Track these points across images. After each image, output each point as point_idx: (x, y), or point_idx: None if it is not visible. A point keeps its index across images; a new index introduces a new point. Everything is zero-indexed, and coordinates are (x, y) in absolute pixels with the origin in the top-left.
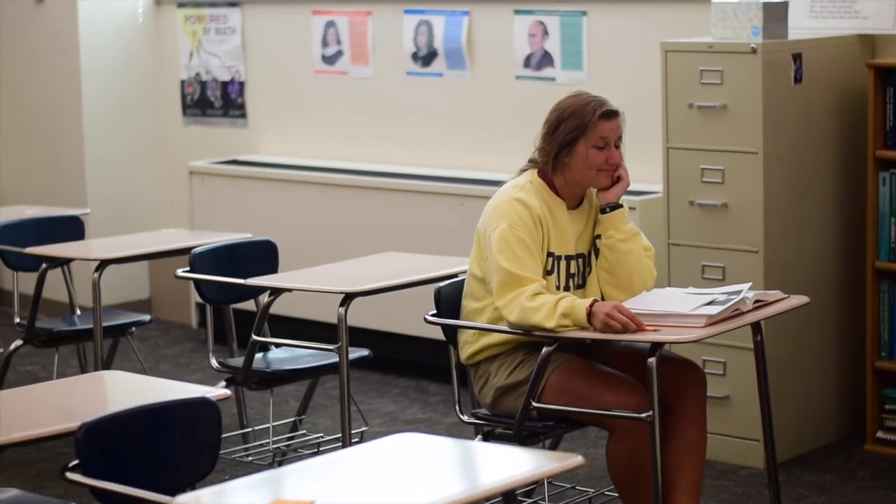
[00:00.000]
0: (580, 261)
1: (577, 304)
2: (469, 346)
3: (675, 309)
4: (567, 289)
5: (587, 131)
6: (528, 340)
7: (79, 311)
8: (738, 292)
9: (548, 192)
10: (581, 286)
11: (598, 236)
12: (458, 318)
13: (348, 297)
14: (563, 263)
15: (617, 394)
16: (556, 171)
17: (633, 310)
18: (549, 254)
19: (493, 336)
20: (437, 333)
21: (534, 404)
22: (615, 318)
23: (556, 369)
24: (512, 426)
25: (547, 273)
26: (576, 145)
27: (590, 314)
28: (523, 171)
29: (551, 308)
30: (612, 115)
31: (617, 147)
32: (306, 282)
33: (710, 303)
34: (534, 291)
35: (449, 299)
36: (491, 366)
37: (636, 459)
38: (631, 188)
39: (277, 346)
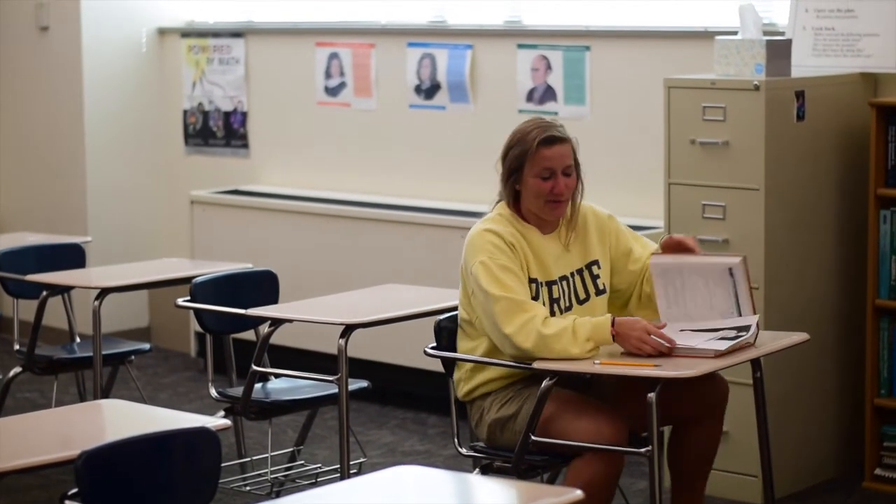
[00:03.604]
0: (563, 284)
1: (596, 324)
2: (464, 383)
3: (684, 342)
4: (552, 314)
5: (529, 159)
6: (521, 376)
7: (78, 339)
8: (748, 327)
9: (517, 220)
10: (569, 308)
11: (595, 261)
12: (457, 350)
13: (349, 329)
14: (544, 290)
15: (597, 421)
16: (515, 199)
17: None
18: (531, 279)
19: (486, 373)
20: (437, 366)
21: (533, 438)
22: (648, 343)
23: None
24: (510, 459)
25: (532, 299)
26: (521, 173)
27: (616, 331)
28: (497, 202)
29: (571, 334)
30: (554, 140)
31: (567, 175)
32: (307, 313)
33: (721, 338)
34: (544, 316)
35: (449, 332)
36: (485, 402)
37: (597, 483)
38: (632, 223)
39: (277, 376)
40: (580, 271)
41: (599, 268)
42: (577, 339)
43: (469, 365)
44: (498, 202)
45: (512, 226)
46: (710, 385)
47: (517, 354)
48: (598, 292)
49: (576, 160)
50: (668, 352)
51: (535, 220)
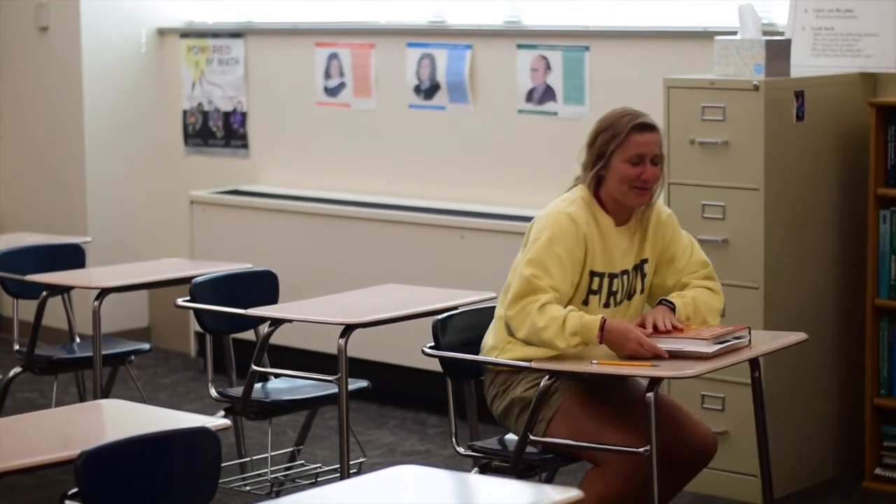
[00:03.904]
0: (624, 278)
1: (585, 321)
2: (499, 353)
3: (677, 345)
4: (607, 305)
5: (621, 144)
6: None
7: (78, 339)
8: (740, 338)
9: (596, 207)
10: (620, 303)
11: (646, 260)
12: (456, 350)
13: (348, 329)
14: (606, 281)
15: (622, 434)
16: (597, 186)
17: None
18: (594, 273)
19: (526, 350)
20: (436, 366)
21: (531, 437)
22: (644, 345)
23: (568, 397)
24: (508, 459)
25: (591, 292)
26: (611, 158)
27: (605, 336)
28: (570, 187)
29: (560, 326)
30: (647, 128)
31: (655, 164)
32: (306, 313)
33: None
34: (544, 301)
35: (447, 332)
36: (516, 376)
37: (612, 498)
38: None
39: (277, 376)
40: (636, 267)
41: (647, 267)
42: (563, 331)
43: (506, 335)
44: (574, 186)
45: (590, 212)
46: (698, 440)
47: (514, 337)
48: (640, 291)
49: (662, 152)
50: (657, 353)
51: (613, 210)
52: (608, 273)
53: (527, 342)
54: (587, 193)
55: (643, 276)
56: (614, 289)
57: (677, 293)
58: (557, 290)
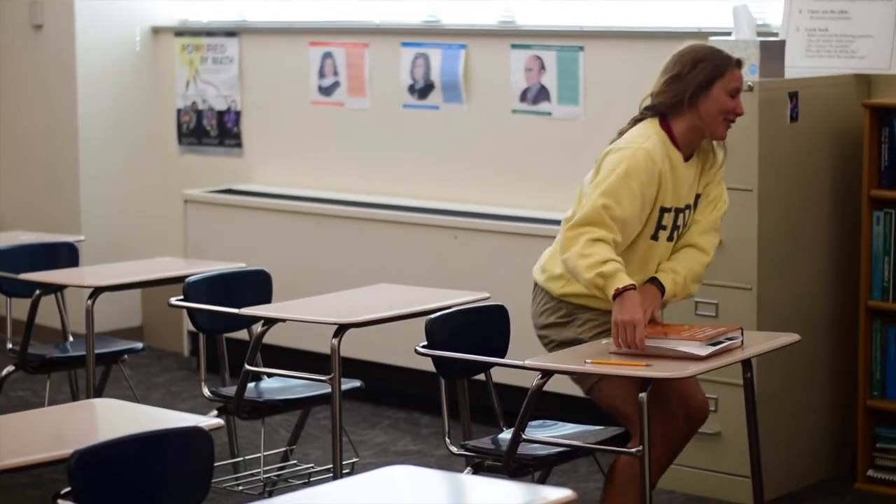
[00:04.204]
0: (686, 212)
1: (619, 275)
2: (565, 283)
3: (669, 346)
4: (671, 239)
5: (724, 74)
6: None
7: (71, 338)
8: (732, 339)
9: (669, 143)
10: (680, 237)
11: (699, 195)
12: (449, 349)
13: (342, 329)
14: (672, 216)
15: (662, 407)
16: (681, 115)
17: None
18: (664, 209)
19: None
20: (429, 365)
21: (522, 436)
22: (627, 333)
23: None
24: (501, 458)
25: (661, 227)
26: (712, 87)
27: (620, 296)
28: (637, 120)
29: (597, 262)
30: (741, 65)
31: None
32: (300, 312)
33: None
34: (600, 237)
35: (441, 331)
36: (583, 314)
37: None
38: None
39: (270, 375)
40: (691, 205)
41: (699, 201)
42: (594, 269)
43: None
44: (637, 119)
45: (665, 148)
46: (694, 405)
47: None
48: (685, 226)
49: None
50: (635, 349)
51: (683, 144)
52: (675, 208)
53: (564, 263)
54: (660, 128)
55: (693, 210)
56: (678, 223)
57: (671, 269)
58: (626, 222)
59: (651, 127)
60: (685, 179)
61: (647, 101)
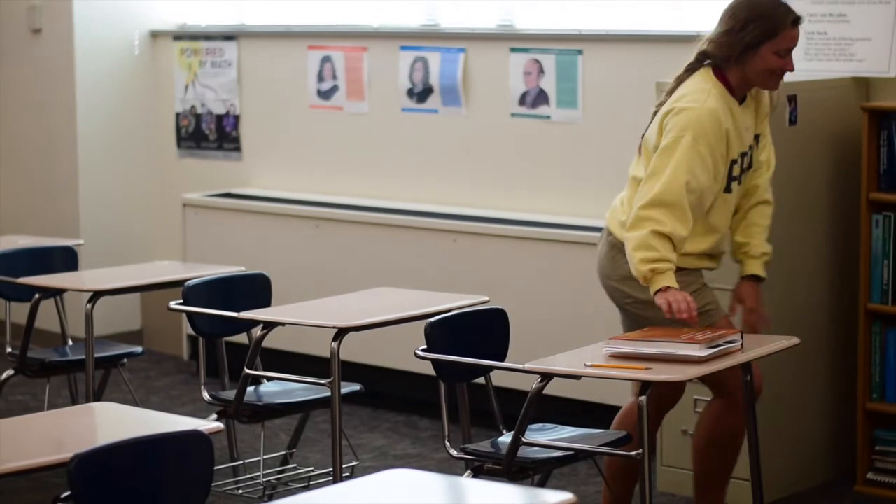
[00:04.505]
0: (751, 153)
1: (667, 275)
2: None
3: (668, 349)
4: (739, 182)
5: (776, 36)
6: (704, 266)
7: (71, 342)
8: (732, 342)
9: (725, 92)
10: (738, 182)
11: (758, 136)
12: (448, 353)
13: (341, 332)
14: (739, 163)
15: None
16: (731, 67)
17: (626, 348)
18: (733, 161)
19: (687, 245)
20: (429, 368)
21: (522, 440)
22: (680, 305)
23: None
24: (501, 461)
25: (733, 178)
26: (760, 48)
27: (663, 290)
28: (691, 67)
29: (653, 258)
30: (799, 22)
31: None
32: (299, 316)
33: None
34: (665, 231)
35: (440, 335)
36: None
37: (740, 430)
38: None
39: (269, 379)
40: (753, 146)
41: (757, 144)
42: (648, 265)
43: None
44: (691, 66)
45: (724, 100)
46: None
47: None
48: (749, 167)
49: None
50: (692, 320)
51: (737, 89)
52: (741, 153)
53: (626, 241)
54: (716, 79)
55: (754, 150)
56: (744, 166)
57: (761, 250)
58: (703, 191)
59: (708, 79)
60: (744, 123)
61: (703, 46)
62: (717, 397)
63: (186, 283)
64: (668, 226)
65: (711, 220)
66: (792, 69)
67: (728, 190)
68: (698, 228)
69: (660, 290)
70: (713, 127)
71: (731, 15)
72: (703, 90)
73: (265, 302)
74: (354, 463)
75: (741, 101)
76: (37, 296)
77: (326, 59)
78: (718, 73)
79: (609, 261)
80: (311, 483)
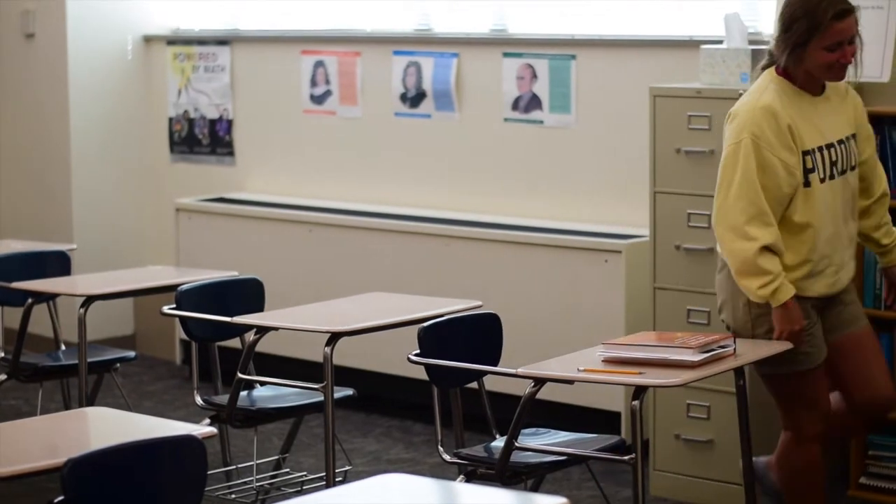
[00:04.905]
0: (841, 147)
1: (784, 288)
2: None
3: (661, 354)
4: (832, 177)
5: (819, 33)
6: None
7: (63, 347)
8: (725, 347)
9: (790, 87)
10: (843, 173)
11: (854, 135)
12: (441, 357)
13: (334, 337)
14: (818, 156)
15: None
16: (794, 64)
17: (619, 353)
18: (805, 152)
19: (800, 274)
20: (422, 373)
21: (515, 444)
22: (794, 339)
23: (800, 371)
24: (494, 466)
25: (808, 171)
26: (807, 46)
27: (783, 306)
28: (763, 67)
29: (767, 282)
30: (845, 14)
31: (851, 43)
32: (292, 321)
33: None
34: (767, 244)
35: (433, 339)
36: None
37: (809, 468)
38: (617, 231)
39: (262, 384)
40: (850, 138)
41: (855, 142)
42: (765, 287)
43: None
44: (764, 66)
45: (785, 96)
46: (869, 395)
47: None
48: (853, 167)
49: (857, 30)
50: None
51: (806, 83)
52: (817, 147)
53: (729, 262)
54: (777, 77)
55: (854, 148)
56: (833, 158)
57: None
58: (778, 187)
59: (768, 77)
60: (821, 115)
61: (769, 47)
62: (784, 430)
63: (179, 288)
64: (761, 238)
65: (797, 219)
66: (848, 61)
67: (807, 184)
68: (786, 236)
69: (780, 306)
70: (769, 122)
71: (780, 15)
72: (759, 89)
73: (258, 306)
74: (347, 467)
75: (819, 90)
76: (30, 300)
77: (319, 64)
78: (783, 70)
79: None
80: (304, 488)
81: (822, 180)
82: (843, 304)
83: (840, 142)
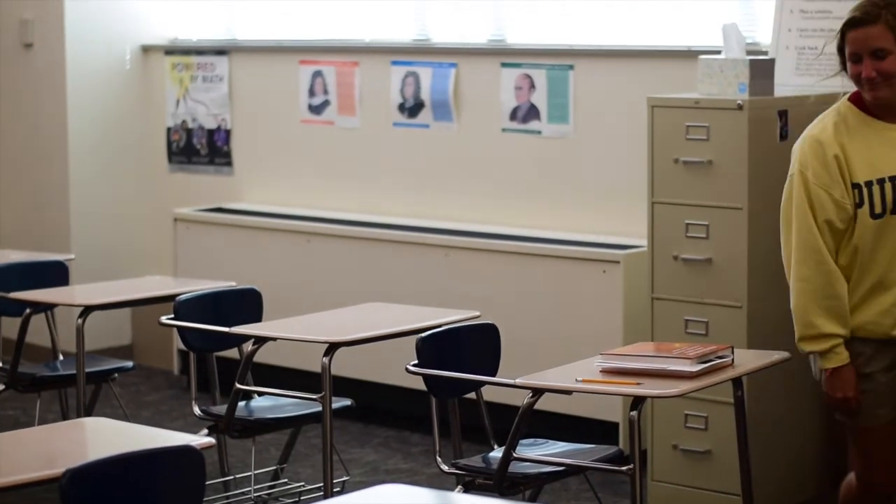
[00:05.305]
0: (892, 184)
1: (836, 352)
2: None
3: (659, 364)
4: (880, 216)
5: (844, 44)
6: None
7: (61, 357)
8: (723, 357)
9: (856, 114)
10: (873, 214)
11: None
12: (440, 368)
13: (332, 347)
14: (875, 189)
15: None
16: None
17: (617, 363)
18: (854, 185)
19: (866, 313)
20: (420, 383)
21: (513, 455)
22: (841, 408)
23: (870, 428)
24: (492, 476)
25: (857, 206)
26: (843, 56)
27: (836, 372)
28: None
29: (820, 336)
30: (855, 23)
31: (880, 58)
32: (290, 331)
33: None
34: (817, 289)
35: (431, 350)
36: (868, 346)
37: None
38: (615, 242)
39: (260, 394)
40: None
41: None
42: (817, 344)
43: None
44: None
45: (844, 123)
46: None
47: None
48: None
49: (885, 45)
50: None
51: (878, 109)
52: (866, 182)
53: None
54: (846, 101)
55: None
56: (885, 195)
57: None
58: (832, 221)
59: (837, 103)
60: (886, 145)
61: None
62: (853, 469)
63: (177, 298)
64: (814, 280)
65: (844, 261)
66: (866, 75)
67: (854, 218)
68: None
69: (827, 371)
70: (814, 153)
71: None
72: (821, 117)
73: (256, 317)
74: (345, 478)
75: (892, 119)
76: (28, 310)
77: (318, 74)
78: (855, 94)
79: None
80: (302, 498)
81: (874, 217)
82: None
83: (893, 177)
